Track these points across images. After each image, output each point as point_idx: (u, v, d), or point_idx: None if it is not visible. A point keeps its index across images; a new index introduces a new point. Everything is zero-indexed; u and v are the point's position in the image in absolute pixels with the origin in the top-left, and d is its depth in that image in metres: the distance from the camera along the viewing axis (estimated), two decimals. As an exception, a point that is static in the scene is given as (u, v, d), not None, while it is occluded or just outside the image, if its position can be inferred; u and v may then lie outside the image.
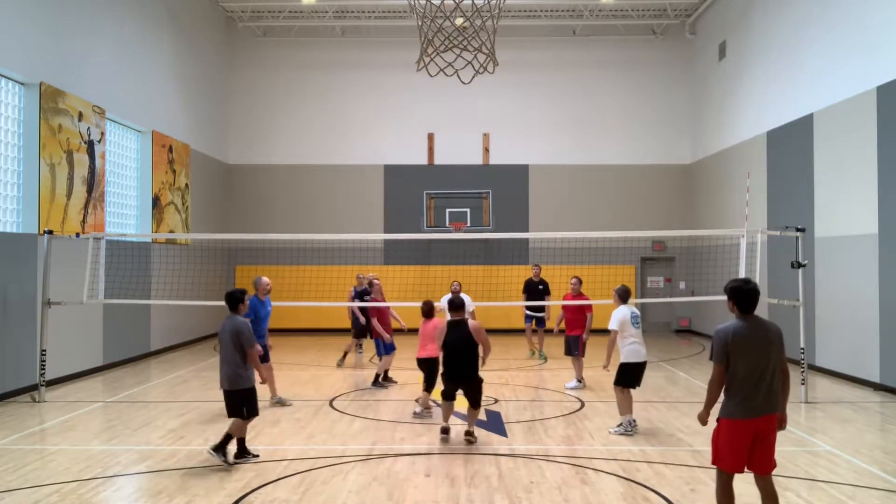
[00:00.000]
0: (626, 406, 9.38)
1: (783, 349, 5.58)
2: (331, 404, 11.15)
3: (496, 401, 11.40)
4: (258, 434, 9.30)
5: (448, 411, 9.09)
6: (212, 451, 7.74)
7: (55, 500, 6.78)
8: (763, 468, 5.53)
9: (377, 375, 12.68)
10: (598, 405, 11.14)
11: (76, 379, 13.39)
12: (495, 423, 9.87)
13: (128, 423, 10.02)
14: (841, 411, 10.80)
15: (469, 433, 8.81)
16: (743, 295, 5.55)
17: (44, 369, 11.47)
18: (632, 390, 9.51)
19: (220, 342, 8.08)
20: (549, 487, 7.15)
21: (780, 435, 9.40)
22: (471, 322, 9.06)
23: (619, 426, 9.42)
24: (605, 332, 9.92)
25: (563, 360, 15.70)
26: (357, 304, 14.32)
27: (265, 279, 10.91)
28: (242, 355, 7.86)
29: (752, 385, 5.42)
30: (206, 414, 10.31)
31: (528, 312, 16.09)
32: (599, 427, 9.70)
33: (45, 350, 11.53)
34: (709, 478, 7.41)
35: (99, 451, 8.49)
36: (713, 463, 5.65)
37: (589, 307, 13.04)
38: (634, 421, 9.45)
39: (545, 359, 15.89)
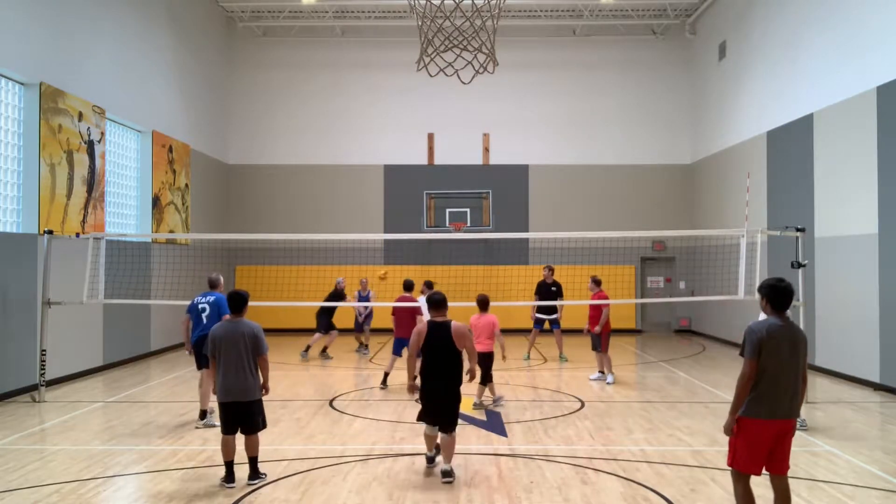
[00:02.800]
0: None
1: (806, 355, 5.61)
2: (331, 404, 11.15)
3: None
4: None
5: (434, 439, 7.68)
6: (251, 482, 7.24)
7: (55, 500, 6.78)
8: (780, 468, 5.51)
9: (386, 375, 12.60)
10: (599, 405, 11.13)
11: (76, 379, 13.39)
12: (495, 423, 9.87)
13: (128, 423, 10.01)
14: (841, 411, 10.80)
15: (446, 472, 7.36)
16: (778, 292, 5.56)
17: (44, 369, 11.47)
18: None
19: (223, 348, 7.20)
20: (549, 487, 7.15)
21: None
22: (455, 325, 7.53)
23: None
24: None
25: (574, 360, 15.71)
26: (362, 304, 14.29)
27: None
28: (255, 362, 7.28)
29: (779, 385, 5.39)
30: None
31: (538, 315, 15.71)
32: (599, 427, 9.70)
33: (45, 350, 11.53)
34: (709, 478, 7.42)
35: (99, 451, 8.48)
36: (729, 464, 5.58)
37: (606, 305, 13.13)
38: None
39: (566, 360, 15.79)
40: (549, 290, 15.70)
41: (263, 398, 7.44)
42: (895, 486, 7.26)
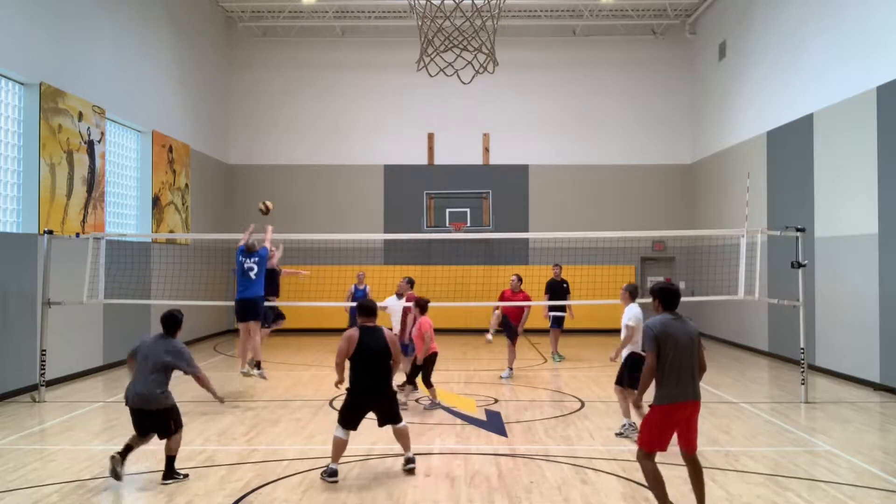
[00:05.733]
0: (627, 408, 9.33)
1: (701, 345, 6.28)
2: (331, 404, 11.14)
3: (496, 401, 11.41)
4: (258, 434, 9.31)
5: (344, 446, 7.50)
6: (165, 482, 7.27)
7: (55, 500, 6.78)
8: (689, 447, 6.13)
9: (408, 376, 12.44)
10: (599, 405, 11.13)
11: (76, 379, 13.40)
12: (495, 423, 9.87)
13: (128, 423, 9.89)
14: (841, 411, 10.80)
15: (410, 460, 7.71)
16: (669, 294, 6.31)
17: (44, 369, 11.47)
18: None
19: (140, 358, 7.43)
20: (549, 487, 7.15)
21: (780, 435, 9.48)
22: (386, 330, 7.89)
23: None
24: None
25: (573, 360, 15.70)
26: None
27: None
28: (167, 377, 7.45)
29: (678, 373, 6.03)
30: (206, 414, 10.31)
31: (554, 314, 15.69)
32: (599, 427, 9.69)
33: (45, 350, 11.53)
34: (709, 478, 7.40)
35: (99, 451, 8.48)
36: (639, 444, 6.20)
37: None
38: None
39: (562, 358, 15.82)
40: (560, 287, 15.70)
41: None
42: (895, 486, 7.26)
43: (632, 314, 9.30)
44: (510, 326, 13.84)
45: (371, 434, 9.30)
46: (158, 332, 7.70)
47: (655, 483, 6.07)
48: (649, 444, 6.09)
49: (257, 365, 11.23)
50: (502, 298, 13.96)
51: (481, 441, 8.96)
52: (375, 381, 7.59)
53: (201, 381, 7.69)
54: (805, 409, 10.97)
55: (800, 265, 11.58)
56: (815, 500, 6.82)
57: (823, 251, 14.19)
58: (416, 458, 8.11)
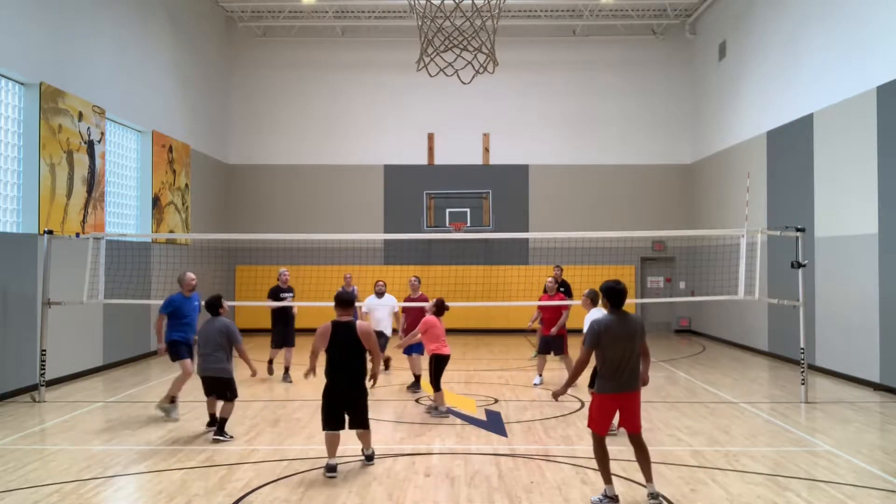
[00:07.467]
0: None
1: (644, 337, 6.76)
2: (331, 404, 11.13)
3: (496, 401, 11.41)
4: (258, 434, 9.31)
5: (336, 442, 7.64)
6: (216, 438, 8.87)
7: (55, 500, 6.78)
8: (632, 428, 6.66)
9: (417, 377, 12.29)
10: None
11: (76, 379, 13.39)
12: (495, 423, 9.87)
13: (128, 423, 10.01)
14: (841, 411, 10.80)
15: (369, 457, 7.96)
16: (616, 293, 6.64)
17: (44, 369, 11.47)
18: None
19: (201, 342, 9.21)
20: (549, 487, 7.15)
21: (780, 435, 9.47)
22: (360, 324, 7.77)
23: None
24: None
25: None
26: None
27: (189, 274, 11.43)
28: (229, 353, 9.19)
29: (618, 368, 6.52)
30: (206, 414, 10.29)
31: None
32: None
33: (45, 350, 11.53)
34: (709, 478, 7.42)
35: (99, 451, 8.48)
36: (588, 426, 6.78)
37: (566, 306, 12.94)
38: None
39: None
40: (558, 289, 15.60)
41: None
42: (895, 486, 7.26)
43: (591, 320, 9.21)
44: (547, 340, 12.75)
45: (371, 434, 9.31)
46: (206, 317, 9.35)
47: (599, 459, 6.64)
48: (592, 425, 6.70)
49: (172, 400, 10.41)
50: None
51: (481, 441, 8.96)
52: (345, 376, 7.64)
53: (242, 354, 9.22)
54: (805, 409, 10.97)
55: (800, 265, 11.58)
56: (815, 500, 6.82)
57: (823, 251, 14.19)
58: (416, 457, 8.13)
